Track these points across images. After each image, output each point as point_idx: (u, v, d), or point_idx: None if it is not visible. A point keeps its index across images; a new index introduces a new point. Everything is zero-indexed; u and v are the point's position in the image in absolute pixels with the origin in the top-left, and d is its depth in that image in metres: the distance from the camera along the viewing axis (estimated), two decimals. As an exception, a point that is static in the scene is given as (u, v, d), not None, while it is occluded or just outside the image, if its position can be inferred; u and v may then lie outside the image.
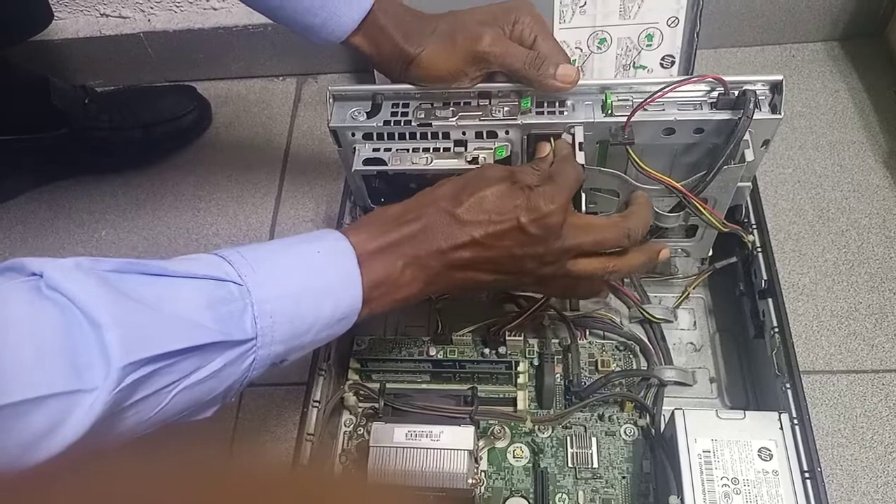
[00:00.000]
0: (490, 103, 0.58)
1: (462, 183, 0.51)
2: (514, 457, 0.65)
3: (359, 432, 0.68)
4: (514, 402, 0.67)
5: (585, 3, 0.71)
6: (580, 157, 0.54)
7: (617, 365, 0.69)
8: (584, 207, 0.55)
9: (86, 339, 0.35)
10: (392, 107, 0.59)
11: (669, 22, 0.71)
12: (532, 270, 0.53)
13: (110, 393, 0.35)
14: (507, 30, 0.57)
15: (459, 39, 0.56)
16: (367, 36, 0.58)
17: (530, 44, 0.57)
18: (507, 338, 0.67)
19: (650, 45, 0.73)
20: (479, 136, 0.58)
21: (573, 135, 0.55)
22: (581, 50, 0.74)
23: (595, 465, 0.63)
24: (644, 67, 0.74)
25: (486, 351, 0.68)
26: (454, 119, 0.58)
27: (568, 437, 0.65)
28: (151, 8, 0.99)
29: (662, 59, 0.74)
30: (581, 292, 0.63)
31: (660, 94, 0.55)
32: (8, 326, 0.34)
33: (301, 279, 0.44)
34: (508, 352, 0.67)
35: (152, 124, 0.95)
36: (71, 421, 0.34)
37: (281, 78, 1.06)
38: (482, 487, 0.63)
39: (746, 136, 0.55)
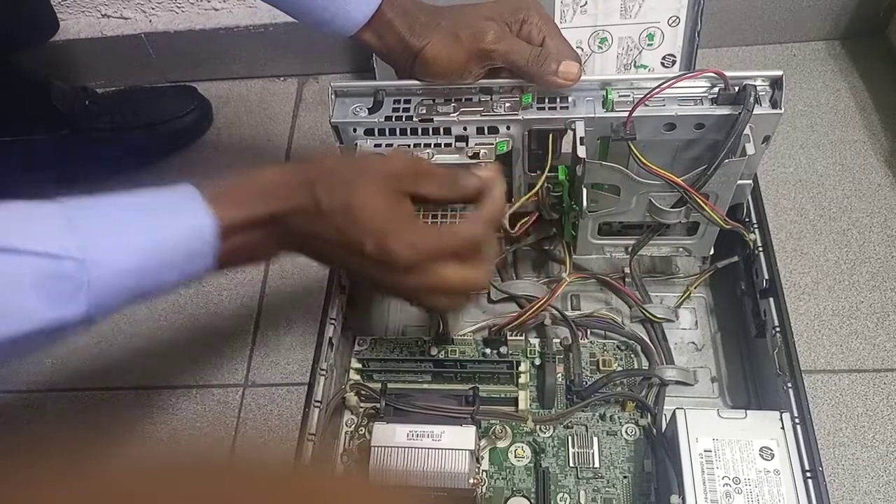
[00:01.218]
0: (491, 99, 0.58)
1: (341, 173, 0.49)
2: (515, 456, 0.65)
3: (360, 432, 0.67)
4: (515, 401, 0.67)
5: (586, 3, 0.71)
6: (581, 152, 0.54)
7: (618, 364, 0.68)
8: (585, 202, 0.55)
9: None
10: (393, 103, 0.60)
11: (670, 21, 0.71)
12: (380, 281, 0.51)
13: None
14: (515, 28, 0.57)
15: (463, 35, 0.56)
16: (373, 30, 0.58)
17: (539, 43, 0.56)
18: (509, 338, 0.67)
19: (651, 45, 0.73)
20: (480, 131, 0.58)
21: (574, 130, 0.55)
22: (582, 49, 0.74)
23: (596, 464, 0.63)
24: (645, 67, 0.74)
25: (488, 351, 0.67)
26: (455, 115, 0.58)
27: (569, 437, 0.65)
28: (153, 9, 0.99)
29: (663, 58, 0.74)
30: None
31: (660, 88, 0.55)
32: None
33: (152, 256, 0.43)
34: (510, 352, 0.67)
35: (153, 125, 0.95)
36: None
37: (282, 78, 1.06)
38: (483, 487, 0.63)
39: (747, 131, 0.55)
